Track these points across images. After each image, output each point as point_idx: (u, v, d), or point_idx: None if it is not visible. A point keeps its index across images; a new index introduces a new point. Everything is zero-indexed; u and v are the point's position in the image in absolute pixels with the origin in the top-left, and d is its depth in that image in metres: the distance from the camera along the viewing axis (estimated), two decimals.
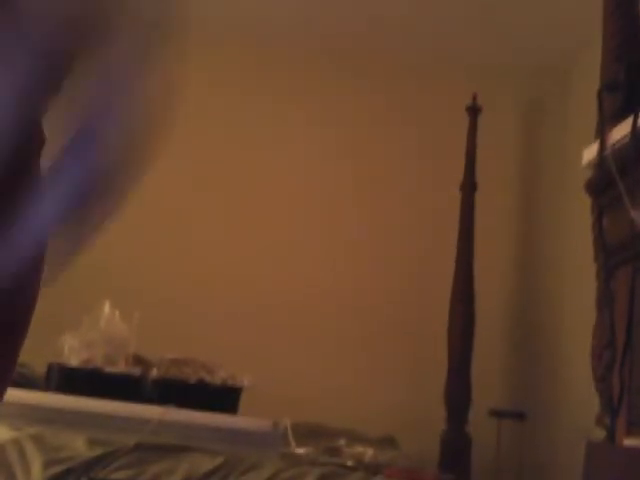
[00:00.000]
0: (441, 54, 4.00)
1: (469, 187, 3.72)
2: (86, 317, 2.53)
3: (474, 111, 3.78)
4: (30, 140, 0.83)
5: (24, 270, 0.92)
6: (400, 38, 3.91)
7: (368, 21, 3.81)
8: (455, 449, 3.46)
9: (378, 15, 3.74)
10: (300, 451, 2.61)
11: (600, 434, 2.27)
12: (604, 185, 2.19)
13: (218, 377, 2.59)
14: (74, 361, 2.52)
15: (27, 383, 2.58)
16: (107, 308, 2.54)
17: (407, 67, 4.07)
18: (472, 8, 3.61)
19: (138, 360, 2.56)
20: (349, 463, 2.50)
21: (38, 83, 0.79)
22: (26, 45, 0.73)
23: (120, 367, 2.52)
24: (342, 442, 2.87)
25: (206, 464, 2.28)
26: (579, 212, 2.75)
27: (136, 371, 2.55)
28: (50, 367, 2.60)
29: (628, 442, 2.03)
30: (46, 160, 0.81)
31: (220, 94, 4.03)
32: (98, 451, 2.27)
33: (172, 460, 2.29)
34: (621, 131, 2.08)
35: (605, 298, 2.29)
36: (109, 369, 2.52)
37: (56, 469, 2.23)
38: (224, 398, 2.59)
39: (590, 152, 2.26)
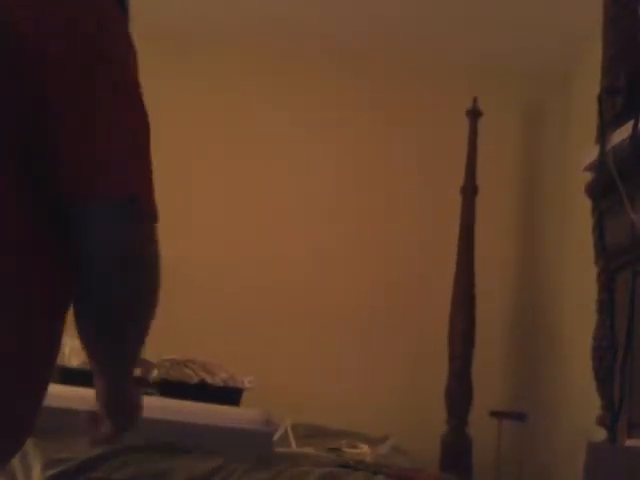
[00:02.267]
0: (441, 56, 4.00)
1: (470, 190, 3.73)
2: None
3: (474, 115, 3.79)
4: None
5: None
6: (400, 39, 3.91)
7: (368, 21, 3.81)
8: (456, 450, 3.46)
9: (378, 15, 3.74)
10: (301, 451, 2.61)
11: (601, 435, 2.27)
12: (604, 189, 2.19)
13: (219, 378, 2.59)
14: (75, 362, 2.52)
15: None
16: None
17: (407, 68, 4.07)
18: (472, 10, 3.60)
19: (139, 361, 2.56)
20: (350, 464, 2.50)
21: None
22: None
23: None
24: (343, 443, 2.87)
25: (207, 464, 2.27)
26: (579, 215, 2.75)
27: (137, 372, 2.55)
28: None
29: (629, 443, 2.04)
30: None
31: (219, 95, 4.04)
32: (97, 451, 2.27)
33: (172, 460, 2.28)
34: (621, 135, 2.08)
35: (606, 301, 2.29)
36: None
37: (56, 469, 2.23)
38: (225, 399, 2.59)
39: (590, 156, 2.27)
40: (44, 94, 1.11)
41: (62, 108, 1.11)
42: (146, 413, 2.27)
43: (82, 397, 2.08)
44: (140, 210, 1.17)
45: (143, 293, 1.25)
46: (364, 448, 2.76)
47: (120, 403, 1.39)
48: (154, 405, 2.32)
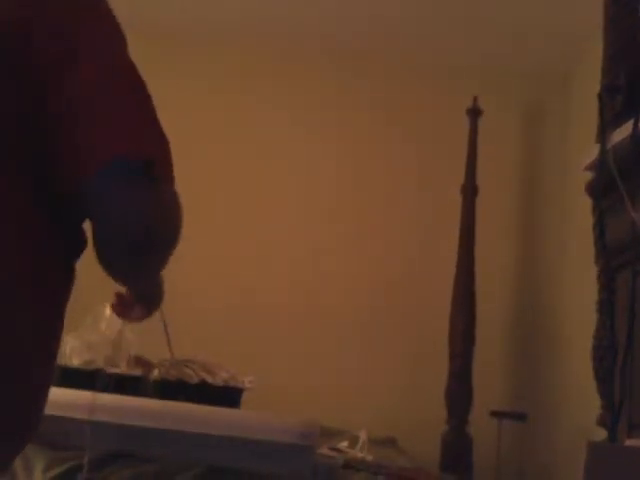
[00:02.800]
0: (441, 56, 4.00)
1: (470, 190, 3.73)
2: (88, 319, 2.53)
3: (475, 114, 3.79)
4: None
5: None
6: (400, 39, 3.91)
7: (368, 21, 3.81)
8: (456, 450, 3.46)
9: (378, 15, 3.74)
10: None
11: (601, 435, 2.27)
12: (605, 187, 2.19)
13: (219, 378, 2.58)
14: (76, 361, 2.52)
15: None
16: (108, 310, 2.54)
17: (407, 68, 4.07)
18: (472, 10, 3.60)
19: (139, 361, 2.57)
20: (352, 464, 2.50)
21: None
22: None
23: (122, 368, 2.53)
24: (343, 443, 2.87)
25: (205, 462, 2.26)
26: (580, 214, 2.75)
27: (137, 372, 2.55)
28: None
29: (629, 443, 2.04)
30: None
31: (219, 95, 4.04)
32: (99, 452, 2.26)
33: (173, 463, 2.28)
34: (622, 134, 2.08)
35: (606, 300, 2.29)
36: (111, 370, 2.52)
37: (57, 470, 2.23)
38: (225, 399, 2.59)
39: (591, 155, 2.27)
40: (44, 94, 1.11)
41: (62, 108, 1.12)
42: (171, 424, 2.16)
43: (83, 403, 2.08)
44: (146, 174, 1.14)
45: (157, 271, 1.33)
46: (370, 452, 2.75)
47: (147, 294, 1.58)
48: (178, 413, 2.22)
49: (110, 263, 1.17)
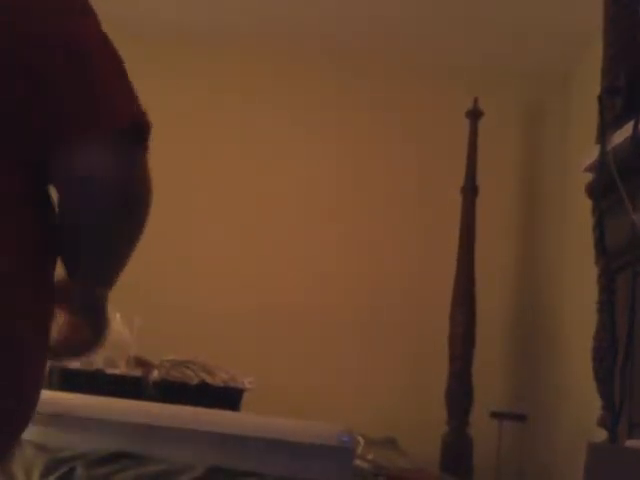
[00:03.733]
0: (441, 56, 4.00)
1: (470, 190, 3.73)
2: None
3: (475, 115, 3.79)
4: None
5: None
6: (400, 39, 3.91)
7: (368, 21, 3.81)
8: (456, 451, 3.46)
9: (378, 15, 3.74)
10: None
11: (601, 435, 2.27)
12: (605, 188, 2.20)
13: (219, 379, 2.59)
14: (75, 363, 2.52)
15: None
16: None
17: (407, 68, 4.07)
18: (472, 11, 3.61)
19: (139, 362, 2.57)
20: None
21: None
22: None
23: (121, 369, 2.53)
24: None
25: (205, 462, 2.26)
26: (580, 215, 2.75)
27: (137, 373, 2.55)
28: (51, 369, 2.60)
29: (629, 443, 2.04)
30: None
31: (219, 95, 4.04)
32: (100, 453, 2.26)
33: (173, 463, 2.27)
34: (622, 135, 2.08)
35: (606, 301, 2.29)
36: (110, 371, 2.52)
37: (56, 472, 2.22)
38: (225, 400, 2.59)
39: (591, 156, 2.27)
40: (30, 95, 1.12)
41: (57, 107, 1.13)
42: (221, 428, 2.15)
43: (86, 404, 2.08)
44: (130, 142, 1.16)
45: (132, 237, 1.24)
46: (370, 453, 2.75)
47: (101, 308, 1.29)
48: (230, 420, 2.21)
49: (94, 233, 1.20)
